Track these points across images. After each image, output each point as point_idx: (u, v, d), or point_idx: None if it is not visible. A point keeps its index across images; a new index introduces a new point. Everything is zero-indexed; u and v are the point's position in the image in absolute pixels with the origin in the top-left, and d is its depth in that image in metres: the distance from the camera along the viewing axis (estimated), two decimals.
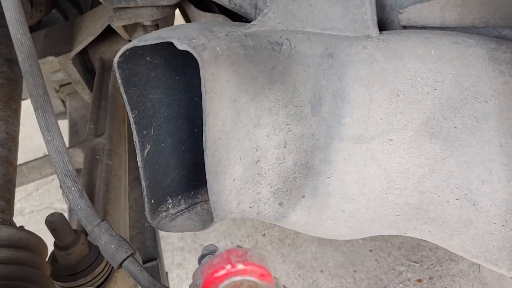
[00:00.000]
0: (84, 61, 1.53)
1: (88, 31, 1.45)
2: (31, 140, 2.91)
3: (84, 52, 1.56)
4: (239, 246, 0.52)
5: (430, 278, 1.94)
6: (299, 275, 1.97)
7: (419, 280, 1.94)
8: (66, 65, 1.43)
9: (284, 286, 0.64)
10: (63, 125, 1.93)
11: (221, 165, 0.85)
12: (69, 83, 1.60)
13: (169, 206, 0.95)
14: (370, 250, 2.08)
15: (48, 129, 0.73)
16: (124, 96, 0.75)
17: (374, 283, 1.95)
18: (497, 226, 0.95)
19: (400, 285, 1.93)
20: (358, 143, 0.93)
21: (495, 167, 0.86)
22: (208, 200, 1.02)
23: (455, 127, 0.89)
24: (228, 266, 0.48)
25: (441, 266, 1.98)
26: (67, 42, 1.51)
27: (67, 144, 1.60)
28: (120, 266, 0.72)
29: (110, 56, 1.52)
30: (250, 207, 0.96)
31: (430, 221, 1.03)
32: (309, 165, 0.94)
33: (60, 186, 0.73)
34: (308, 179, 0.96)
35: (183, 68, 0.86)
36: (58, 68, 1.52)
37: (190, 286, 0.67)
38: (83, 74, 1.49)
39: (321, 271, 2.01)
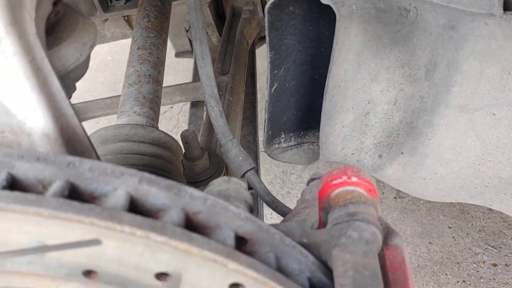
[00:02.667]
0: (217, 7, 1.69)
1: None
2: None
3: None
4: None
5: (506, 265, 1.97)
6: None
7: (494, 265, 1.98)
8: (202, 8, 1.60)
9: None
10: (190, 62, 2.13)
11: (335, 110, 0.97)
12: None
13: (282, 140, 1.10)
14: (449, 227, 2.14)
15: (202, 57, 0.89)
16: (267, 37, 0.89)
17: (447, 257, 2.01)
18: None
19: (474, 265, 1.98)
20: (462, 112, 1.01)
21: None
22: (315, 142, 1.16)
23: None
24: (345, 177, 0.61)
25: None
26: None
27: (192, 79, 1.80)
28: (243, 175, 0.87)
29: (241, 5, 1.66)
30: (352, 154, 1.09)
31: None
32: (413, 125, 1.04)
33: (205, 105, 0.90)
34: (409, 138, 1.06)
35: (317, 21, 0.98)
36: None
37: (297, 201, 0.82)
38: (215, 18, 1.66)
39: None
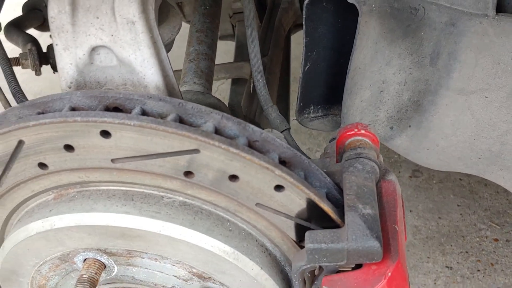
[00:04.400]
0: None
1: None
2: None
3: None
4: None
5: (507, 240, 2.18)
6: None
7: (496, 240, 2.19)
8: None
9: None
10: (227, 45, 2.37)
11: (355, 87, 1.22)
12: (242, 12, 2.03)
13: (311, 111, 1.35)
14: (458, 205, 2.36)
15: (252, 40, 1.14)
16: (304, 26, 1.13)
17: (453, 231, 2.24)
18: None
19: (477, 239, 2.20)
20: (460, 94, 1.23)
21: None
22: (338, 114, 1.40)
23: None
24: (356, 130, 0.86)
25: None
26: None
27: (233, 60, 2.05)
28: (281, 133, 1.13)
29: None
30: (368, 125, 1.33)
31: (505, 168, 1.31)
32: (419, 103, 1.27)
33: (252, 78, 1.15)
34: (416, 114, 1.29)
35: (344, 15, 1.21)
36: None
37: (320, 155, 1.06)
38: (257, 7, 1.89)
39: (410, 211, 2.34)
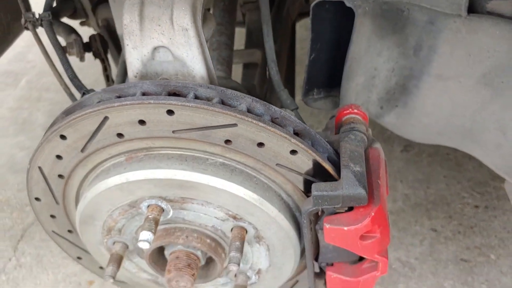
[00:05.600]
0: None
1: None
2: None
3: None
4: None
5: (486, 207, 2.46)
6: None
7: (476, 207, 2.47)
8: None
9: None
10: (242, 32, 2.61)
11: (352, 73, 1.48)
12: (252, 2, 2.27)
13: (314, 93, 1.61)
14: (444, 176, 2.63)
15: (267, 34, 1.40)
16: (311, 24, 1.39)
17: (439, 199, 2.52)
18: None
19: (460, 205, 2.48)
20: (438, 79, 1.49)
21: None
22: (337, 96, 1.67)
23: (502, 82, 1.42)
24: (350, 109, 1.13)
25: (498, 201, 2.48)
26: None
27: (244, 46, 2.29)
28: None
29: None
30: (362, 105, 1.59)
31: (476, 141, 1.56)
32: (405, 86, 1.53)
33: (267, 66, 1.41)
34: (402, 96, 1.55)
35: (343, 15, 1.46)
36: None
37: (322, 130, 1.33)
38: None
39: (401, 181, 2.62)
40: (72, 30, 1.83)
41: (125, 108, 0.94)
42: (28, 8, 1.63)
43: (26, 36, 2.15)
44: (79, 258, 1.38)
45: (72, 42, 1.70)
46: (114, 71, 1.80)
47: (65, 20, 1.99)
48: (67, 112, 1.03)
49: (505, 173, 1.55)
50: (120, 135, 1.00)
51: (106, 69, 1.98)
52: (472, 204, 2.49)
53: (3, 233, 2.45)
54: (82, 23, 2.23)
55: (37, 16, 1.52)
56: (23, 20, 1.52)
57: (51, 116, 3.23)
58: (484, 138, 1.53)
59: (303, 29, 2.72)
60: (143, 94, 0.97)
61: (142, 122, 0.97)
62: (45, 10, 1.53)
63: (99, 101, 1.00)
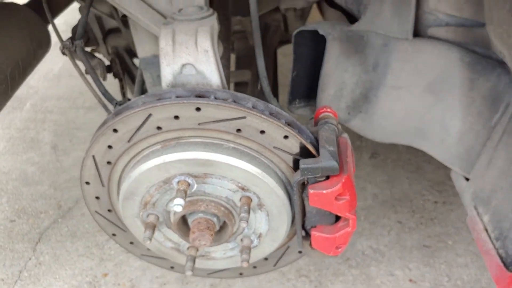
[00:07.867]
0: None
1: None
2: None
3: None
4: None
5: (444, 202, 2.85)
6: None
7: (436, 202, 2.86)
8: (246, 23, 2.51)
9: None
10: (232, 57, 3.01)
11: (324, 86, 1.88)
12: (241, 32, 2.69)
13: (296, 102, 2.02)
14: (407, 178, 3.03)
15: (259, 55, 1.79)
16: (293, 48, 1.80)
17: (404, 196, 2.91)
18: (456, 144, 1.89)
19: (421, 202, 2.87)
20: (393, 89, 1.89)
21: (455, 113, 1.80)
22: (314, 105, 2.07)
23: (442, 90, 1.83)
24: (325, 109, 1.53)
25: (454, 197, 2.87)
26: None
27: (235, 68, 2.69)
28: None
29: (270, 22, 2.57)
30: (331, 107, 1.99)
31: (426, 138, 1.94)
32: (367, 96, 1.93)
33: (258, 83, 1.80)
34: (364, 103, 1.96)
35: (317, 41, 1.87)
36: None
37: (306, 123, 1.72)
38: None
39: (370, 182, 3.02)
40: (93, 55, 2.20)
41: (165, 107, 1.31)
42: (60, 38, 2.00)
43: None
44: (113, 234, 1.72)
45: (96, 64, 2.07)
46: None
47: None
48: (117, 113, 1.40)
49: (450, 163, 1.92)
50: (159, 127, 1.37)
51: (122, 87, 2.35)
52: (432, 200, 2.87)
53: (21, 236, 2.75)
54: (92, 51, 2.61)
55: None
56: (61, 47, 1.89)
57: (57, 135, 3.56)
58: (431, 135, 1.85)
59: (282, 56, 3.13)
60: (177, 96, 1.34)
61: (176, 117, 1.34)
62: (77, 38, 1.90)
63: (143, 103, 1.37)
